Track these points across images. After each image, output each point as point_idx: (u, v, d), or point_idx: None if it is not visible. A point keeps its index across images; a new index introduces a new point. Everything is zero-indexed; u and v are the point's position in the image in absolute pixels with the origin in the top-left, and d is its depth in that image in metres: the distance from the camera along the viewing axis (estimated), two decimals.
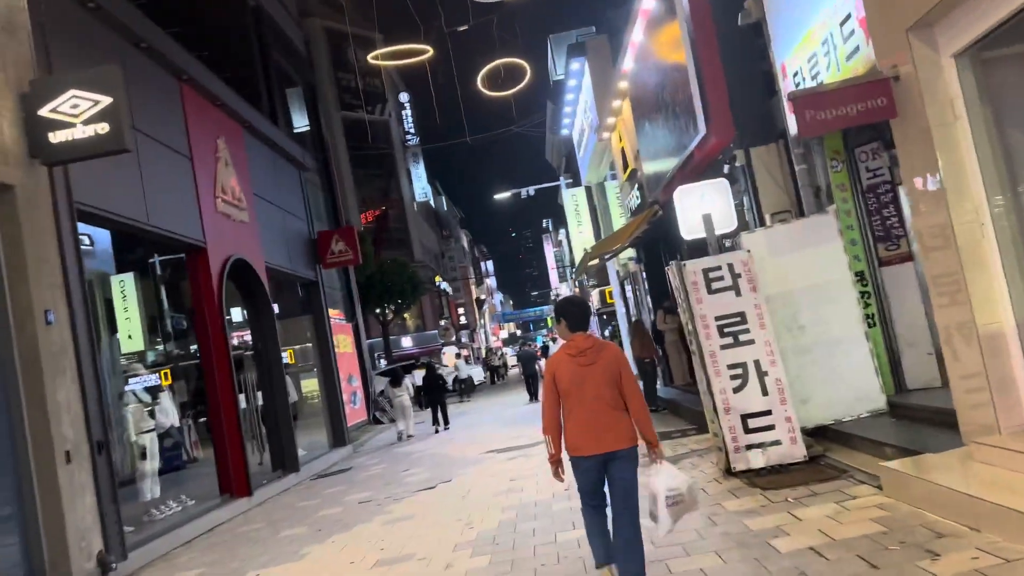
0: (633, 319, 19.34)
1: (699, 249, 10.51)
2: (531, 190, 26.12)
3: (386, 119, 43.51)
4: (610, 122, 14.31)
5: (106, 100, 6.85)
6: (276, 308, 13.66)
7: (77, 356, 7.22)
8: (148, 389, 9.96)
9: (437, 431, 16.91)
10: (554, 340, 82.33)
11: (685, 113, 9.91)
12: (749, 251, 7.14)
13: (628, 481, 4.15)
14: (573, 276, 24.46)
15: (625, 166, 13.87)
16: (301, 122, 21.42)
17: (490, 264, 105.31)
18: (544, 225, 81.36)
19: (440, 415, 17.50)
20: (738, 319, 6.98)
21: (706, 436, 9.08)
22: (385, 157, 44.29)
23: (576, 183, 22.43)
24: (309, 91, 22.69)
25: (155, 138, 10.11)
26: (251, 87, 15.56)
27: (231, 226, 12.02)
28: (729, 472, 6.90)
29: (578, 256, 20.50)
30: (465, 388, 28.78)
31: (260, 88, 16.30)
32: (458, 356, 36.22)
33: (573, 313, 4.31)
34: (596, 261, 15.24)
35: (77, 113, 6.84)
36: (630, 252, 18.31)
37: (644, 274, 15.40)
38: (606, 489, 4.27)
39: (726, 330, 6.99)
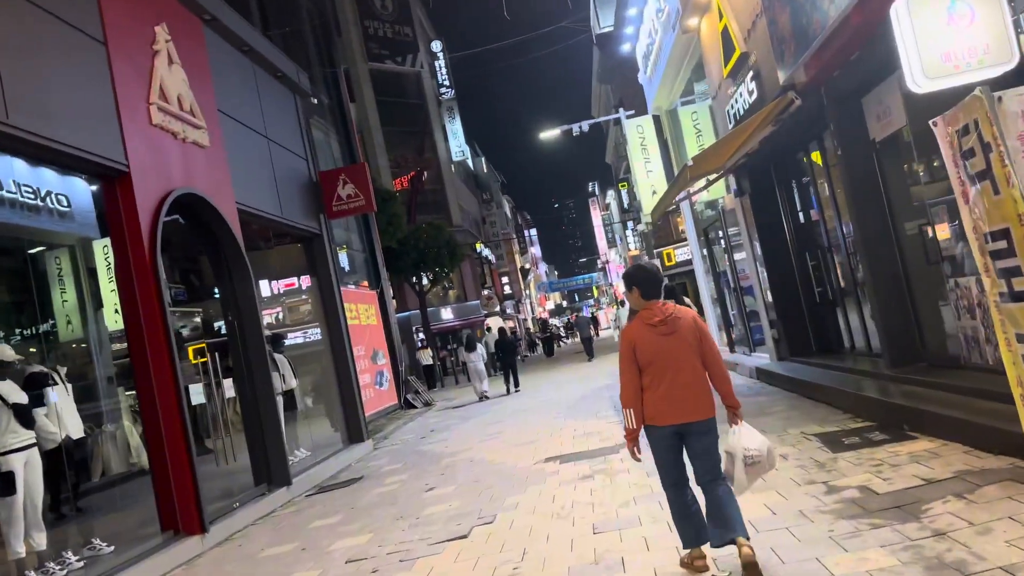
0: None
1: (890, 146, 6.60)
2: (584, 125, 22.16)
3: (418, 70, 39.72)
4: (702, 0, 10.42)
5: None
6: (253, 267, 10.26)
7: None
8: (34, 387, 6.56)
9: (508, 391, 18.11)
10: (600, 309, 78.61)
11: None
12: None
13: (711, 451, 3.99)
14: (646, 222, 20.50)
15: (727, 57, 9.95)
16: (309, 53, 17.89)
17: (534, 233, 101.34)
18: (590, 188, 77.00)
19: (512, 377, 18.52)
20: None
21: (914, 445, 5.37)
22: (418, 112, 40.55)
23: (638, 115, 18.55)
24: (319, 17, 19.13)
25: (41, 5, 6.67)
26: None
27: (177, 148, 8.55)
28: None
29: (645, 201, 16.69)
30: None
31: None
32: (489, 329, 32.52)
33: (646, 280, 4.09)
34: (685, 193, 11.47)
35: None
36: (716, 188, 14.41)
37: (751, 211, 11.47)
38: (686, 465, 4.06)
39: None
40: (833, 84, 7.67)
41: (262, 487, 9.25)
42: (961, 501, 4.30)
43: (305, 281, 13.07)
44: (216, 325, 10.72)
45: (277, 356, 10.95)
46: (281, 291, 13.52)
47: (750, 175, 11.24)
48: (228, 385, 9.28)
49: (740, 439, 3.95)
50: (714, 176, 11.46)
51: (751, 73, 9.17)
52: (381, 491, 8.60)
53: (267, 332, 10.50)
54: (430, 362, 28.93)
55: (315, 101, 17.00)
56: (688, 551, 4.09)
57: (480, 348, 18.99)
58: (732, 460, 3.97)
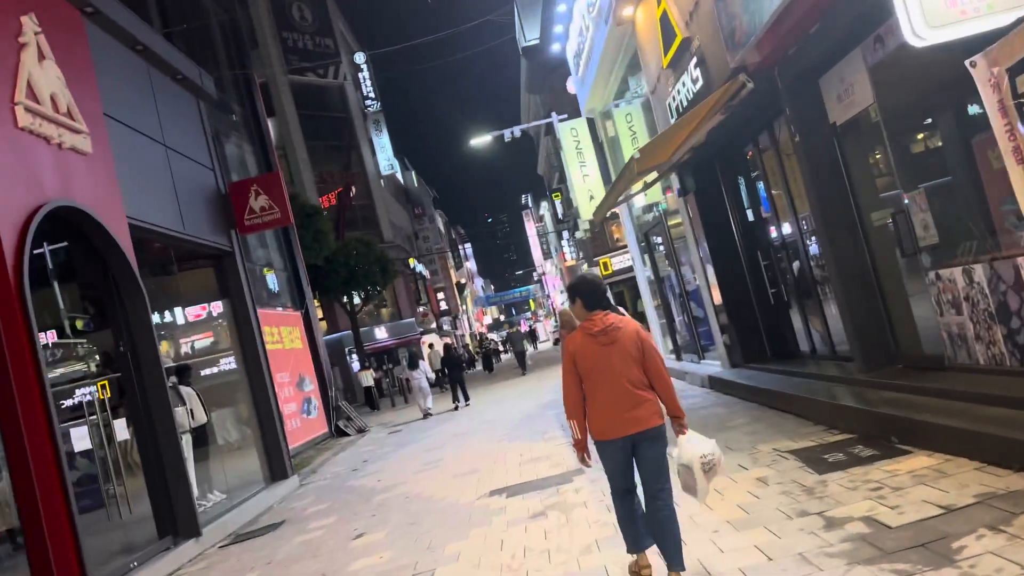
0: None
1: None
2: (516, 130, 21.33)
3: (341, 83, 38.44)
4: None
5: None
6: (159, 293, 9.04)
7: None
8: None
9: (457, 407, 17.92)
10: (538, 322, 78.42)
11: None
12: None
13: (658, 461, 3.95)
14: (584, 229, 19.79)
15: (667, 45, 9.26)
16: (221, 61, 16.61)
17: (469, 248, 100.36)
18: (523, 201, 76.58)
19: (460, 392, 18.46)
20: None
21: (912, 461, 4.64)
22: (343, 126, 39.22)
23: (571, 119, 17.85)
24: (231, 24, 17.87)
25: None
26: None
27: (51, 155, 7.35)
28: None
29: (583, 206, 15.97)
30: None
31: None
32: (431, 346, 31.44)
33: (588, 291, 4.11)
34: (625, 195, 10.74)
35: None
36: (654, 191, 13.78)
37: (696, 210, 10.80)
38: (634, 473, 4.04)
39: None
40: (788, 64, 7.02)
41: (166, 540, 8.03)
42: (999, 535, 3.54)
43: (217, 307, 11.81)
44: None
45: (184, 389, 9.74)
46: (192, 319, 12.21)
47: (694, 172, 10.58)
48: (120, 426, 8.03)
49: (693, 447, 3.92)
50: (652, 178, 10.80)
51: (694, 59, 8.48)
52: (303, 539, 7.50)
53: (169, 363, 9.29)
54: (371, 383, 27.67)
55: (230, 114, 15.79)
56: (635, 558, 4.09)
57: (423, 365, 18.89)
58: (690, 471, 3.91)
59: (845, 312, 7.30)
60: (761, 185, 9.60)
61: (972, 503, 4.01)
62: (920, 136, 6.08)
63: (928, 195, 5.87)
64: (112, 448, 8.05)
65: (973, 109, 5.58)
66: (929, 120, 5.92)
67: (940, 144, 5.86)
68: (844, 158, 7.13)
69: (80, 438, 7.41)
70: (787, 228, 8.98)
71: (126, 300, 8.36)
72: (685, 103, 9.11)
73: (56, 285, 7.78)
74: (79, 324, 9.54)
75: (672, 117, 9.67)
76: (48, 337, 7.64)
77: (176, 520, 8.23)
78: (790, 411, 7.69)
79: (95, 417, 8.26)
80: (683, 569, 3.84)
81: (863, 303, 7.15)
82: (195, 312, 12.00)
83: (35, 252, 7.20)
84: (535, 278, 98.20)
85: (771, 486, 5.30)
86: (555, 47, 18.15)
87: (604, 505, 5.66)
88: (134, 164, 9.15)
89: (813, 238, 8.18)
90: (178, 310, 11.68)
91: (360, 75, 41.00)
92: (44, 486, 6.17)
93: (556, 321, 36.71)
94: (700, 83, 8.41)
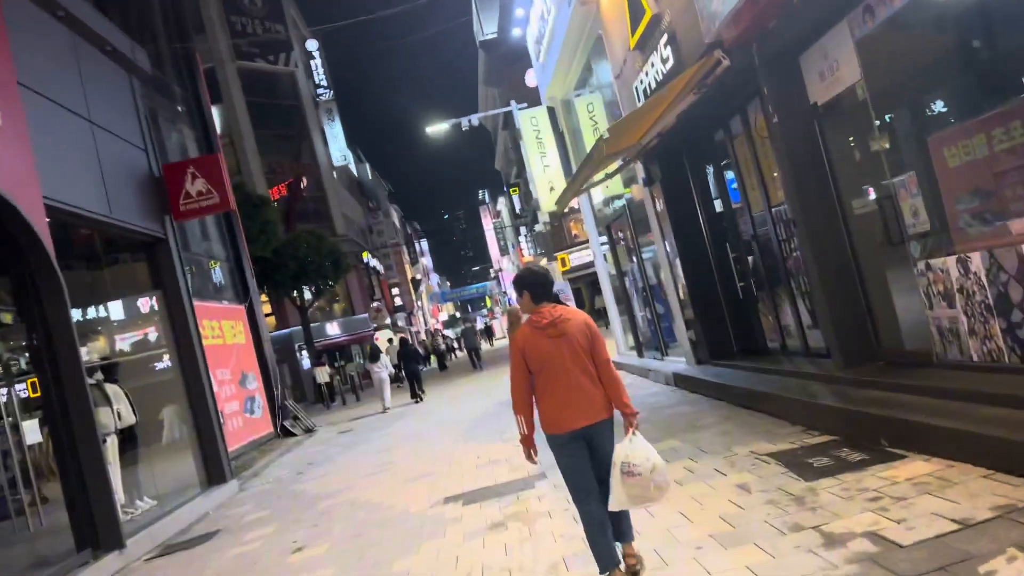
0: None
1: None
2: (474, 119, 20.65)
3: (292, 70, 37.26)
4: None
5: None
6: (88, 286, 8.22)
7: None
8: None
9: (418, 400, 18.36)
10: (495, 319, 78.24)
11: None
12: None
13: (610, 454, 3.79)
14: (544, 222, 19.27)
15: (635, 25, 8.75)
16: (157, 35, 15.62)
17: (424, 243, 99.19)
18: (480, 196, 75.88)
19: (416, 386, 18.80)
20: None
21: (910, 467, 4.19)
22: (294, 115, 38.03)
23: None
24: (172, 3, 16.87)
25: None
26: None
27: None
28: None
29: (543, 197, 15.42)
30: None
31: None
32: (391, 341, 30.69)
33: (535, 283, 4.00)
34: (593, 179, 10.21)
35: None
36: (615, 183, 13.32)
37: (661, 201, 10.33)
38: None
39: None
40: (767, 39, 6.55)
41: (85, 553, 7.25)
42: None
43: (150, 300, 10.95)
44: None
45: (110, 387, 8.95)
46: (123, 312, 11.31)
47: (660, 160, 10.10)
48: (30, 428, 7.22)
49: (624, 448, 3.74)
50: (614, 167, 10.29)
51: (665, 37, 7.98)
52: (238, 552, 6.81)
53: (88, 358, 8.48)
54: (327, 379, 26.81)
55: (167, 92, 14.86)
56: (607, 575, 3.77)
57: (384, 358, 18.87)
58: (612, 467, 3.77)
59: (823, 306, 6.87)
60: (731, 174, 9.17)
61: (991, 517, 3.55)
62: (911, 115, 5.65)
63: (918, 178, 5.44)
64: (22, 452, 7.26)
65: (970, 84, 5.18)
66: (922, 97, 5.50)
67: (935, 123, 5.44)
68: (824, 141, 6.70)
69: None
70: (758, 218, 8.55)
71: (41, 289, 7.55)
72: (654, 85, 8.62)
73: None
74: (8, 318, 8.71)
75: (639, 101, 9.17)
76: None
77: (97, 530, 7.45)
78: (763, 410, 7.24)
79: (10, 419, 7.48)
80: (633, 539, 3.93)
81: (842, 296, 6.73)
82: (126, 305, 11.14)
83: None
84: (491, 275, 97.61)
85: (755, 494, 4.81)
86: (515, 32, 17.60)
87: (570, 515, 5.12)
88: (52, 140, 8.32)
89: (786, 228, 7.75)
90: (107, 303, 10.81)
91: (312, 63, 39.84)
92: None
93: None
94: (671, 62, 7.91)
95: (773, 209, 7.95)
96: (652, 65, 8.57)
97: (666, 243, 10.55)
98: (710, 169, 9.88)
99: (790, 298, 8.13)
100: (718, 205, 9.82)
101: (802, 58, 6.64)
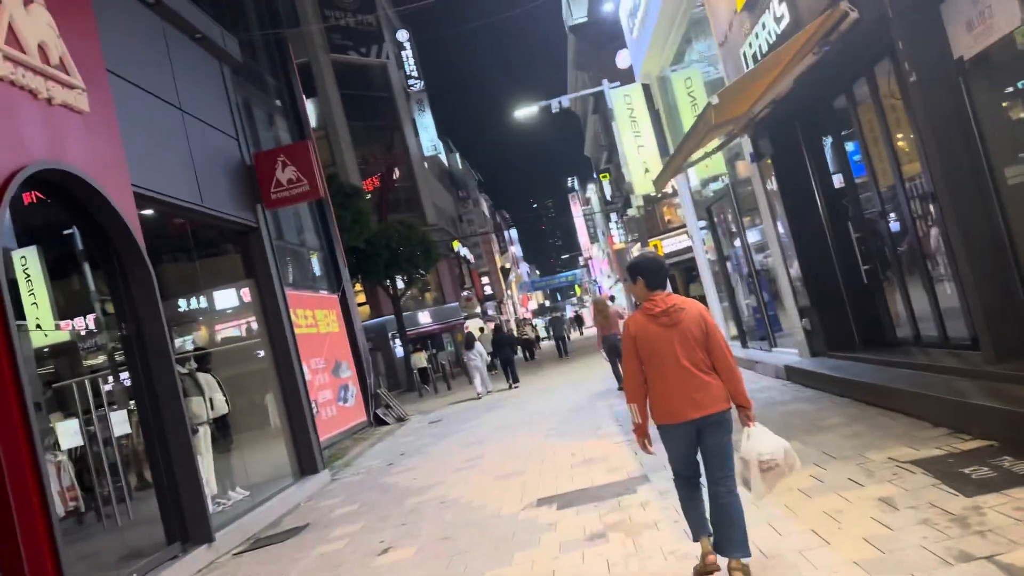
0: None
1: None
2: (564, 100, 19.99)
3: (384, 62, 37.54)
4: None
5: None
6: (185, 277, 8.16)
7: None
8: None
9: (511, 387, 18.48)
10: (584, 307, 77.24)
11: None
12: None
13: (723, 447, 3.79)
14: (637, 205, 18.55)
15: None
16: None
17: (514, 232, 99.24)
18: (569, 184, 75.09)
19: (510, 374, 18.83)
20: None
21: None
22: (386, 106, 38.31)
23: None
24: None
25: None
26: None
27: (38, 110, 6.46)
28: None
29: (637, 179, 14.70)
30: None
31: None
32: (482, 330, 30.55)
33: (650, 270, 3.95)
34: (692, 158, 9.45)
35: None
36: (716, 161, 12.48)
37: (772, 178, 9.49)
38: (699, 459, 3.90)
39: None
40: None
41: (174, 547, 7.14)
42: None
43: (244, 289, 10.92)
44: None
45: (202, 376, 8.89)
46: (216, 302, 11.35)
47: (770, 133, 9.27)
48: (119, 419, 7.15)
49: (753, 443, 3.73)
50: (714, 145, 9.49)
51: None
52: (324, 550, 6.53)
53: (182, 347, 8.41)
54: (425, 364, 26.93)
55: (259, 81, 14.92)
56: (700, 561, 3.80)
57: (479, 346, 18.97)
58: (747, 465, 3.74)
59: (971, 290, 5.99)
60: (853, 145, 8.27)
61: None
62: None
63: None
64: (110, 444, 7.20)
65: None
66: None
67: None
68: (971, 102, 5.81)
69: (69, 433, 6.55)
70: (886, 194, 7.65)
71: (130, 276, 7.46)
72: (765, 48, 7.84)
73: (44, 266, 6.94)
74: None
75: (748, 67, 8.39)
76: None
77: (186, 523, 7.35)
78: (898, 409, 6.42)
79: (102, 410, 7.44)
80: (748, 555, 3.67)
81: (995, 279, 5.85)
82: (219, 295, 11.15)
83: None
84: (581, 263, 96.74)
85: (902, 511, 4.10)
86: (607, 6, 16.88)
87: (680, 528, 4.55)
88: (143, 127, 8.27)
89: (922, 203, 6.86)
90: (200, 293, 10.84)
91: (403, 53, 40.05)
92: (17, 488, 5.29)
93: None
94: (786, 20, 7.13)
95: (906, 183, 7.06)
96: (763, 26, 7.79)
97: (778, 224, 9.70)
98: (828, 141, 8.98)
99: (925, 281, 7.23)
100: (837, 180, 8.92)
101: (943, 6, 5.77)
